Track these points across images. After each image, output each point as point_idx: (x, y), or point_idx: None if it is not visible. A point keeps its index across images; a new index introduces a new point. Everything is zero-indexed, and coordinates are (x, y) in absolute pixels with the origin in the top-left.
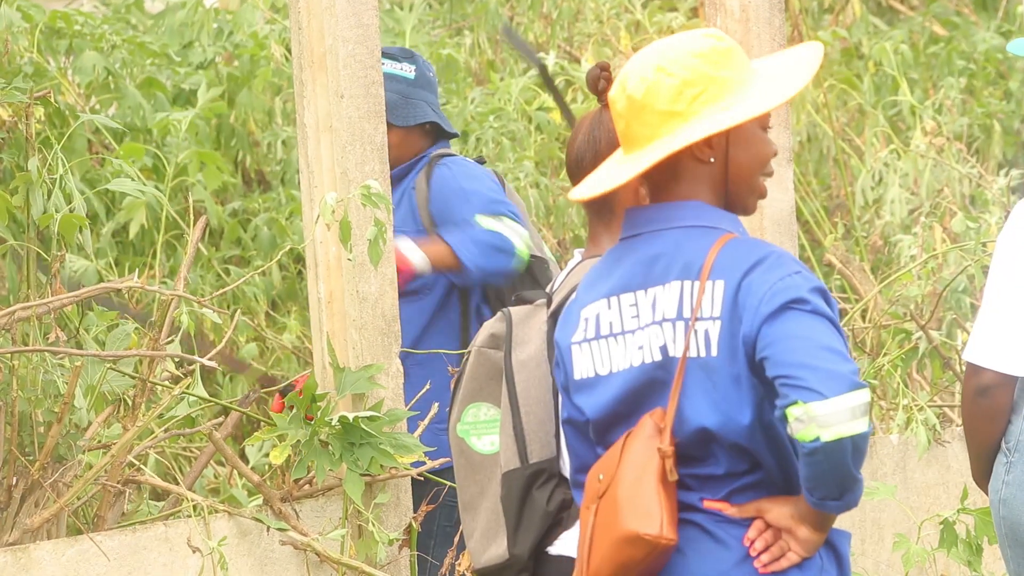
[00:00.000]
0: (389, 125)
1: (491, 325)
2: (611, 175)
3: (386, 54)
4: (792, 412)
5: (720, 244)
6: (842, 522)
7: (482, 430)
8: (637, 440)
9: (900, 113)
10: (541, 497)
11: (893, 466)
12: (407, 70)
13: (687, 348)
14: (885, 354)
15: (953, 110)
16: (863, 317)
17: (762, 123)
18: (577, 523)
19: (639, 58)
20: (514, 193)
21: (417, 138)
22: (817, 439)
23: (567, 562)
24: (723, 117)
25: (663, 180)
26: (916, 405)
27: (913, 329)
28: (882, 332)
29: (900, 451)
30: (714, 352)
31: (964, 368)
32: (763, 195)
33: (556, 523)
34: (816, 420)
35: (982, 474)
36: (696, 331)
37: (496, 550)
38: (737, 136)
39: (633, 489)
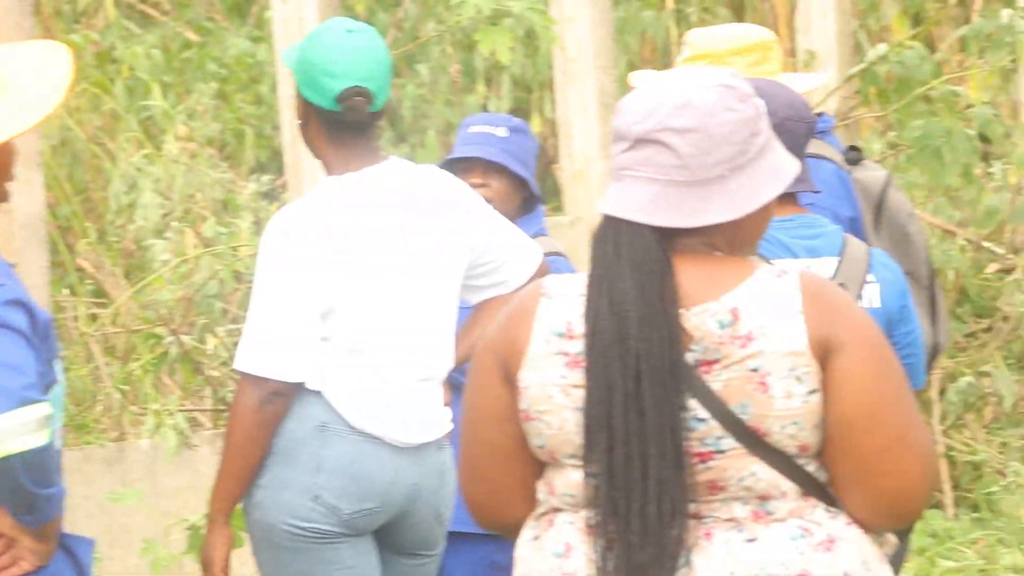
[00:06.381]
0: None
1: None
2: None
3: None
4: None
5: None
6: (89, 526)
7: None
8: None
9: (153, 118)
10: None
11: (143, 471)
12: None
13: None
14: (136, 359)
15: (206, 115)
16: (114, 322)
17: None
18: None
19: None
20: None
21: None
22: None
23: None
24: None
25: None
26: (166, 410)
27: (165, 334)
28: (134, 337)
29: (150, 456)
30: None
31: None
32: (4, 199)
33: None
34: None
35: None
36: None
37: None
38: None
39: None
